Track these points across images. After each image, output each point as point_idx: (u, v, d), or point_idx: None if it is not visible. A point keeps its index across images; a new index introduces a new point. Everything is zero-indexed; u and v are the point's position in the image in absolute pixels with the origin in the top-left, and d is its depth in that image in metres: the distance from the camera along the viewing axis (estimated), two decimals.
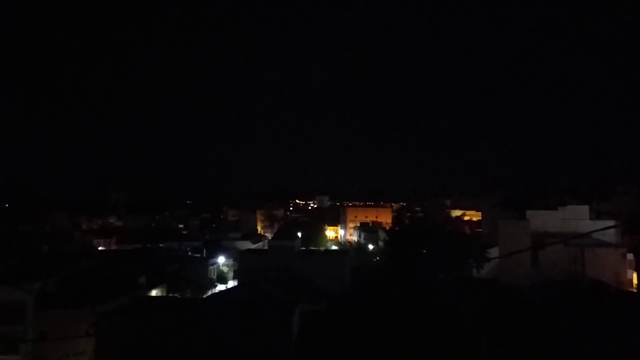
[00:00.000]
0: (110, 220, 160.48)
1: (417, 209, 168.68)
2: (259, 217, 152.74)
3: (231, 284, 63.59)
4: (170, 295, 49.95)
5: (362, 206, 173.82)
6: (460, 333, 27.34)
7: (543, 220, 55.14)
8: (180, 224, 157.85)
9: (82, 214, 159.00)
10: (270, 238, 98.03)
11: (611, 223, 57.84)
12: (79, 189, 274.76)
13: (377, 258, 75.87)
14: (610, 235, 51.66)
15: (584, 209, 59.67)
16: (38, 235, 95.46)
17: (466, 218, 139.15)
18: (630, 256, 52.75)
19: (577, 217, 56.21)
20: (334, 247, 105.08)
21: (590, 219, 59.22)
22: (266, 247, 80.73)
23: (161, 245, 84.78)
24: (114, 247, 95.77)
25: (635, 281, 52.23)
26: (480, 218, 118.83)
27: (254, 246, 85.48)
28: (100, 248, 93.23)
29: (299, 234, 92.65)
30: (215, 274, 67.86)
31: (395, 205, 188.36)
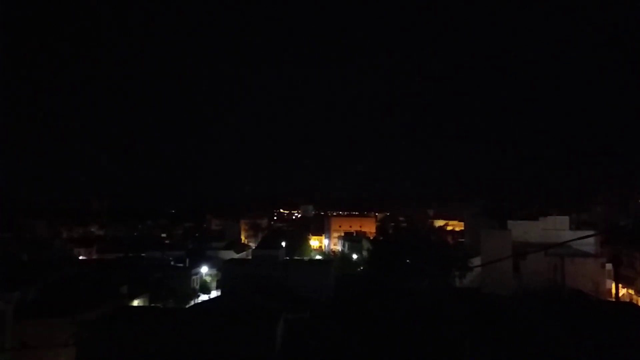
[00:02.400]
0: (92, 229, 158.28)
1: (401, 218, 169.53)
2: (243, 226, 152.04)
3: (214, 293, 63.17)
4: (153, 304, 49.44)
5: (346, 216, 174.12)
6: (443, 342, 27.55)
7: (524, 230, 55.95)
8: (163, 232, 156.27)
9: (63, 221, 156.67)
10: (254, 247, 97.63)
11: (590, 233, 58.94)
12: (60, 196, 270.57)
13: (361, 267, 76.08)
14: (590, 246, 52.61)
15: (564, 220, 60.65)
16: (17, 243, 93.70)
17: (449, 228, 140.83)
18: (609, 266, 53.71)
19: (558, 228, 57.14)
20: (318, 257, 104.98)
21: (571, 229, 60.20)
22: (250, 257, 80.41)
23: (143, 254, 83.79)
24: (95, 256, 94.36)
25: (613, 291, 53.15)
26: (462, 228, 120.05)
27: (237, 256, 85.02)
28: (81, 257, 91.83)
29: (283, 244, 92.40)
30: (198, 284, 67.35)
31: (379, 215, 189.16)
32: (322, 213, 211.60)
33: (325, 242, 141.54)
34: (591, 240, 52.67)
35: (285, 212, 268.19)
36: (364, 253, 78.02)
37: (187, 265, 73.87)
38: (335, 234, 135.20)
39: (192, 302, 55.78)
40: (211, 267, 71.74)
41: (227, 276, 53.82)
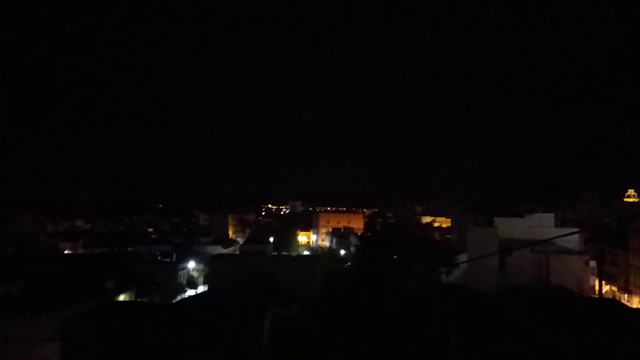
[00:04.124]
0: (78, 223, 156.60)
1: (389, 214, 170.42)
2: (231, 221, 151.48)
3: (201, 289, 63.02)
4: (139, 300, 49.18)
5: (334, 212, 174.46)
6: (430, 337, 27.78)
7: (510, 227, 56.53)
8: (150, 227, 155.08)
9: (48, 215, 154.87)
10: (241, 243, 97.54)
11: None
12: (45, 190, 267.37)
13: (349, 263, 76.27)
14: (574, 243, 53.33)
15: (550, 217, 61.39)
16: (1, 237, 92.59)
17: (436, 224, 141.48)
18: (593, 263, 54.45)
19: (543, 225, 57.80)
20: (306, 252, 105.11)
21: (555, 226, 60.93)
22: (238, 252, 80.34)
23: (130, 249, 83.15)
24: (80, 251, 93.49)
25: (597, 288, 53.87)
26: (449, 224, 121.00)
27: (225, 251, 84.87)
28: (66, 251, 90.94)
29: (271, 239, 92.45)
30: (185, 279, 67.13)
31: (367, 211, 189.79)
32: (311, 209, 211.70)
33: (314, 237, 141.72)
34: (576, 237, 53.42)
35: (274, 207, 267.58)
36: (352, 249, 78.21)
37: (174, 260, 73.49)
38: (324, 230, 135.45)
39: (179, 298, 55.58)
40: (198, 262, 71.52)
41: (214, 271, 53.75)
